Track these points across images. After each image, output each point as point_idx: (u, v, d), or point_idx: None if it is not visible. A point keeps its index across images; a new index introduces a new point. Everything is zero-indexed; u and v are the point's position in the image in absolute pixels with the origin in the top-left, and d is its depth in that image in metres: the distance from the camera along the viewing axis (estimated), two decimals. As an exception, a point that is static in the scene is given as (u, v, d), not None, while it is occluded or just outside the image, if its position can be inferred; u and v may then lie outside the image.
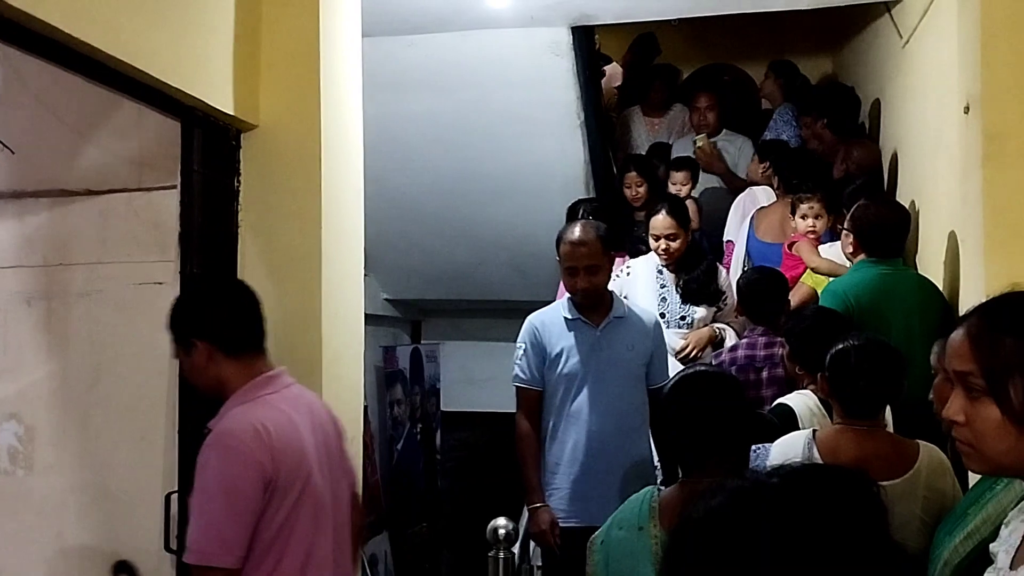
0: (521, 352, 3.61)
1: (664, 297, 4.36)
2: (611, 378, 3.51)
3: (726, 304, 4.31)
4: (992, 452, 1.36)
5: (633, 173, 5.35)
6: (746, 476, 0.97)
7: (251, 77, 2.94)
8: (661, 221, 4.32)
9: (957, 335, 1.42)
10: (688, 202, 5.10)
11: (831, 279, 3.89)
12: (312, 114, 2.97)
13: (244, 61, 2.89)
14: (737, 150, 5.87)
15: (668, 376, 3.39)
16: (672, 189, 5.37)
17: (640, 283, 4.39)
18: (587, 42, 5.22)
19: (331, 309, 3.03)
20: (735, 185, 5.60)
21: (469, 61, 4.98)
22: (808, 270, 4.24)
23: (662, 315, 4.18)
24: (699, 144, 5.58)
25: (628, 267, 4.45)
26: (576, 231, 3.52)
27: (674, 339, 4.19)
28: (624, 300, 3.74)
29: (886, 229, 3.57)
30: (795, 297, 4.09)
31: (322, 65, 3.00)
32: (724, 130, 5.93)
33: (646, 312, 3.76)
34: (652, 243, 4.35)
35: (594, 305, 3.57)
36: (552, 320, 3.61)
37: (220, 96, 2.78)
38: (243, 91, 2.89)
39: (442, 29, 4.73)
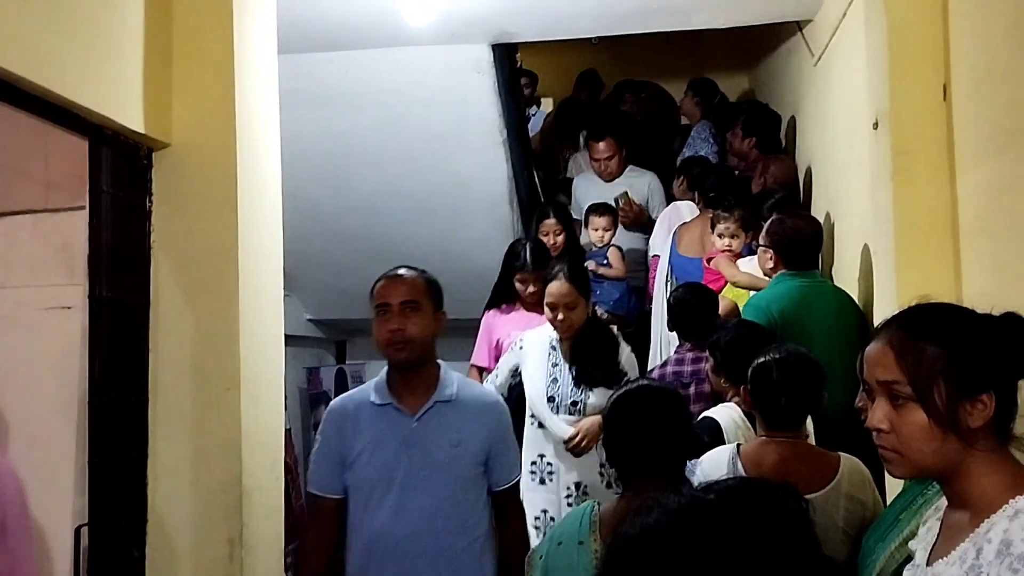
0: (316, 449, 2.88)
1: (555, 378, 3.73)
2: (429, 485, 2.67)
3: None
4: (919, 456, 1.42)
5: (552, 220, 4.96)
6: (682, 492, 0.98)
7: (163, 94, 2.87)
8: (558, 288, 3.71)
9: (877, 346, 1.48)
10: (612, 250, 5.06)
11: (752, 293, 3.96)
12: (227, 131, 2.90)
13: (155, 78, 2.82)
14: (647, 187, 5.67)
15: (518, 474, 2.90)
16: (594, 236, 5.14)
17: (531, 359, 3.80)
18: (508, 59, 5.25)
19: (249, 331, 2.96)
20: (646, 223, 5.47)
21: (389, 78, 4.95)
22: (728, 284, 4.30)
23: (551, 398, 3.68)
24: (620, 203, 5.31)
25: (521, 340, 3.88)
26: (399, 268, 3.00)
27: (562, 427, 3.67)
28: (459, 378, 2.91)
29: (802, 242, 3.65)
30: (721, 311, 4.15)
31: (237, 82, 2.93)
32: (629, 166, 5.70)
33: (485, 393, 2.99)
34: (547, 313, 3.75)
35: (411, 382, 2.78)
36: (358, 406, 2.82)
37: (130, 114, 2.70)
38: (155, 109, 2.81)
39: (362, 46, 4.69)
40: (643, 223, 5.41)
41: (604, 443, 2.26)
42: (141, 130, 2.75)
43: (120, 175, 2.76)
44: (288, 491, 3.31)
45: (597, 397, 3.60)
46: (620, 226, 5.25)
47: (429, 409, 2.75)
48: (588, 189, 5.64)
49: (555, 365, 3.74)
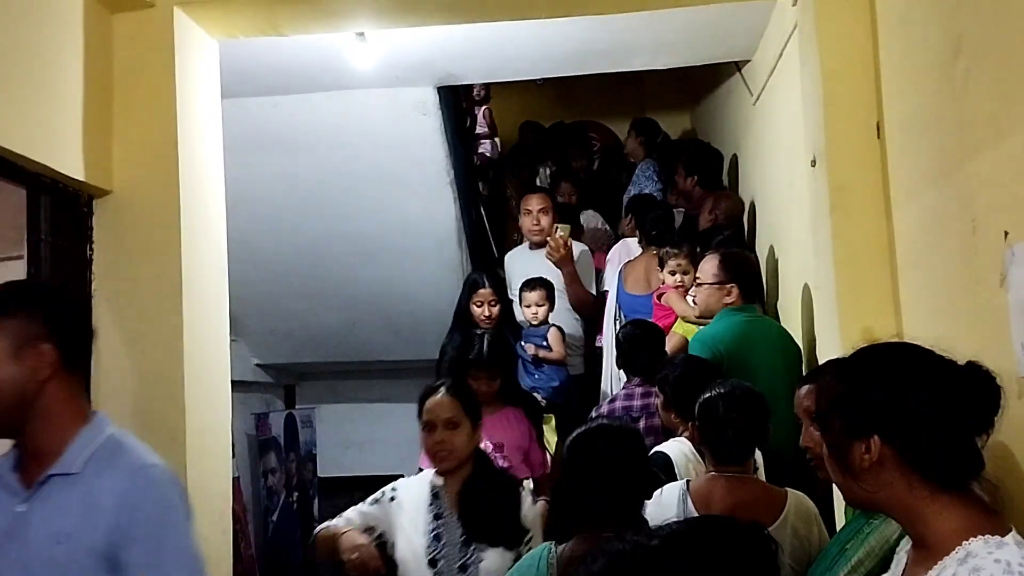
0: None
1: (438, 534, 2.71)
2: None
3: (528, 547, 2.61)
4: (835, 482, 1.51)
5: (487, 289, 4.44)
6: (626, 539, 0.97)
7: (103, 141, 2.84)
8: (438, 403, 2.79)
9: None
10: (552, 331, 4.61)
11: (700, 328, 4.00)
12: (169, 177, 2.88)
13: (95, 125, 2.79)
14: (577, 256, 5.01)
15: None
16: (527, 314, 4.63)
17: (407, 512, 2.76)
18: (454, 100, 5.29)
19: (195, 377, 2.92)
20: (577, 295, 4.88)
21: (335, 121, 4.96)
22: (678, 320, 4.34)
23: (433, 562, 2.66)
24: (559, 233, 4.77)
25: (393, 488, 2.84)
26: None
27: None
28: (111, 439, 1.91)
29: (757, 275, 3.71)
30: (668, 346, 4.18)
31: (179, 127, 2.92)
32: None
33: (133, 460, 1.89)
34: (423, 438, 2.80)
35: (29, 442, 1.88)
36: None
37: (69, 162, 2.67)
38: (94, 156, 2.78)
39: (307, 90, 4.70)
40: (565, 264, 4.78)
41: (557, 485, 2.25)
42: (81, 177, 2.72)
43: (59, 223, 2.73)
44: (236, 541, 3.24)
45: (492, 561, 2.63)
46: (560, 300, 4.77)
47: (44, 486, 1.85)
48: (520, 262, 5.11)
49: (438, 517, 2.73)
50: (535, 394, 4.25)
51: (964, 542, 1.34)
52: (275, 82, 4.55)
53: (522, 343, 4.54)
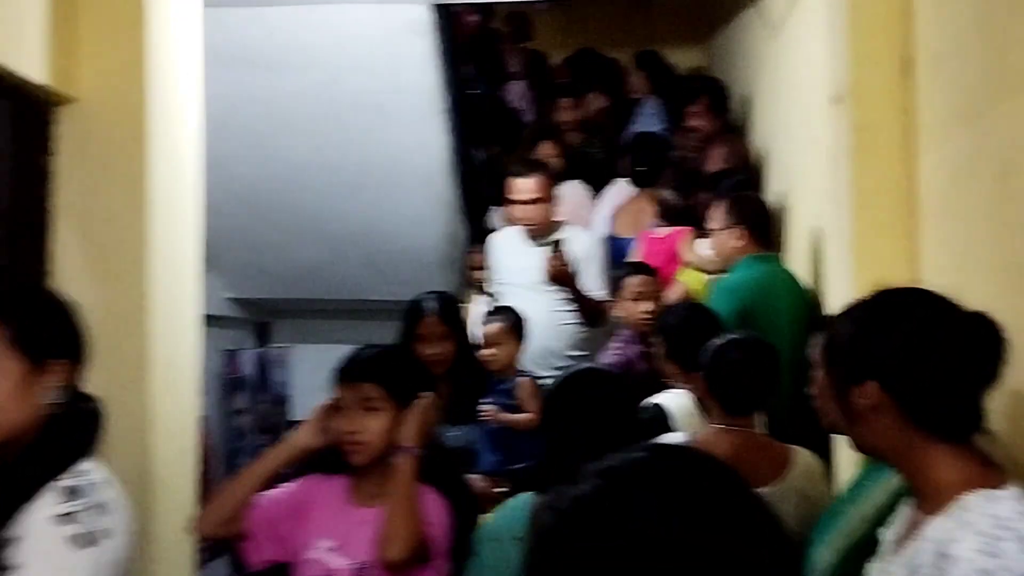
0: None
1: None
2: None
3: None
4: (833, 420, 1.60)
5: (433, 318, 3.45)
6: (611, 457, 0.93)
7: (69, 44, 2.76)
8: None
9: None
10: (522, 383, 3.60)
11: (711, 278, 3.97)
12: (139, 87, 2.81)
13: (60, 25, 2.71)
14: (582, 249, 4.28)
15: None
16: (484, 355, 3.69)
17: None
18: (449, 22, 5.19)
19: (161, 309, 2.88)
20: (589, 310, 4.14)
21: (318, 38, 4.86)
22: (681, 267, 4.33)
23: None
24: (554, 252, 3.98)
25: None
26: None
27: None
28: None
29: (768, 219, 3.69)
30: (671, 296, 4.16)
31: (151, 33, 2.84)
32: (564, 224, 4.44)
33: None
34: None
35: None
36: None
37: (30, 64, 2.60)
38: (60, 60, 2.71)
39: (290, 2, 4.60)
40: (569, 283, 4.05)
41: (543, 429, 2.24)
42: (43, 82, 2.65)
43: (19, 132, 2.67)
44: (203, 484, 3.24)
45: None
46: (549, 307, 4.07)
47: None
48: (509, 253, 4.31)
49: None
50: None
51: (959, 495, 1.37)
52: (255, -9, 4.45)
53: (486, 400, 3.55)
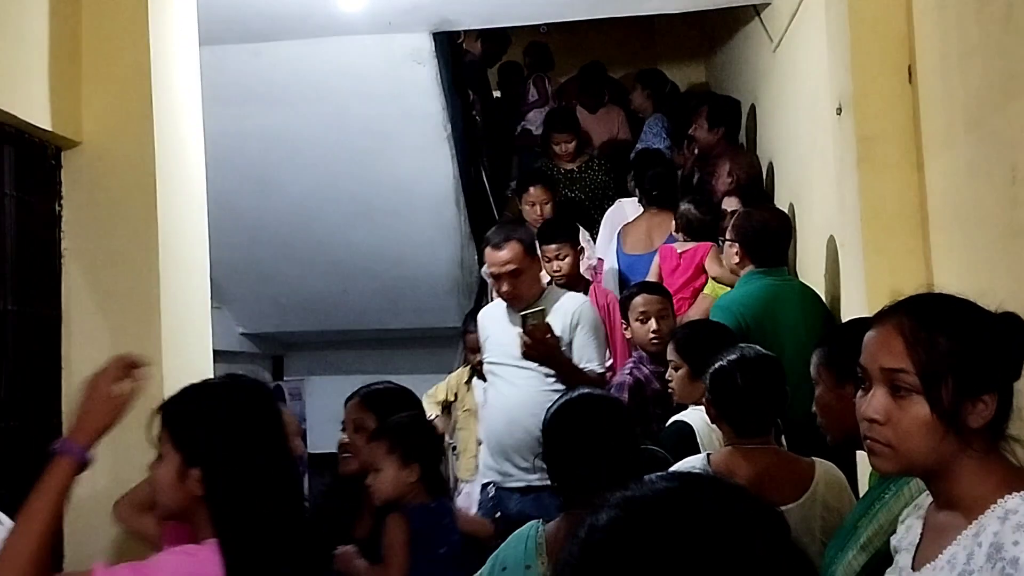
0: None
1: None
2: None
3: None
4: (914, 452, 1.42)
5: (537, 188, 4.92)
6: (633, 485, 0.93)
7: (72, 88, 2.79)
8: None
9: (883, 331, 1.46)
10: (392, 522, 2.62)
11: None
12: (143, 128, 2.84)
13: (63, 70, 2.74)
14: (575, 312, 3.63)
15: None
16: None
17: None
18: (451, 49, 5.22)
19: (174, 347, 2.89)
20: (577, 380, 3.30)
21: (322, 71, 4.90)
22: (708, 282, 4.33)
23: None
24: (531, 322, 3.42)
25: None
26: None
27: None
28: None
29: (770, 236, 3.66)
30: (697, 310, 4.15)
31: (153, 75, 2.87)
32: (560, 291, 4.07)
33: None
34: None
35: None
36: None
37: (34, 109, 2.63)
38: (62, 104, 2.74)
39: (292, 36, 4.64)
40: (549, 357, 3.49)
41: (544, 457, 2.24)
42: (48, 127, 2.68)
43: (25, 177, 2.69)
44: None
45: None
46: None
47: None
48: (497, 325, 3.75)
49: None
50: None
51: (1000, 500, 1.35)
52: (257, 28, 4.49)
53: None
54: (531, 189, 4.95)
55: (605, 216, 5.31)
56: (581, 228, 4.76)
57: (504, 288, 3.58)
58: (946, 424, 1.39)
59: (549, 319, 3.47)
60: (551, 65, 7.14)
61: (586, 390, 2.39)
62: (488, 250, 3.65)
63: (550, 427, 2.22)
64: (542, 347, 3.43)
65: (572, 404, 2.24)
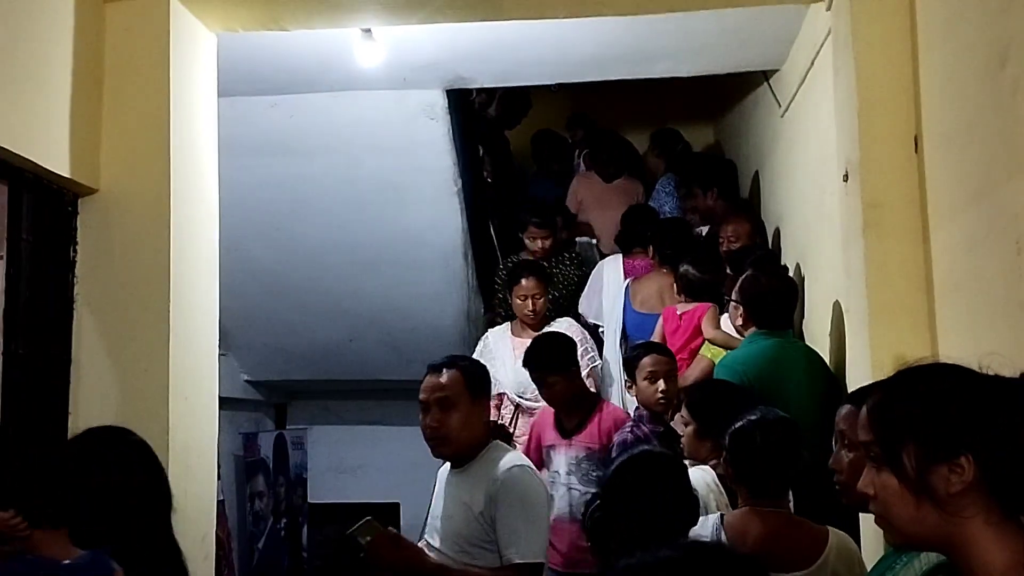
0: None
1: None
2: None
3: None
4: (899, 523, 1.40)
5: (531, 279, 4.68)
6: (643, 555, 0.94)
7: (91, 137, 2.84)
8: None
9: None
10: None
11: (726, 352, 3.98)
12: (160, 178, 2.88)
13: (83, 119, 2.79)
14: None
15: None
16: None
17: None
18: (463, 105, 5.29)
19: (181, 392, 2.90)
20: None
21: (337, 124, 4.96)
22: (706, 343, 4.33)
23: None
24: (364, 539, 2.57)
25: None
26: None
27: None
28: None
29: (774, 299, 3.68)
30: (695, 371, 4.17)
31: (172, 125, 2.92)
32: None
33: None
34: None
35: None
36: None
37: (54, 156, 2.67)
38: (81, 152, 2.78)
39: (308, 89, 4.70)
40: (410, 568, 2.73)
41: (596, 520, 2.28)
42: (66, 174, 2.72)
43: (42, 222, 2.72)
44: (219, 569, 3.22)
45: None
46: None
47: None
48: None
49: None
50: None
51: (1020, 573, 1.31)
52: (275, 80, 4.55)
53: None
54: (523, 281, 4.67)
55: (594, 271, 5.31)
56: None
57: (428, 422, 2.77)
58: (915, 493, 1.37)
59: (469, 477, 2.78)
60: (519, 120, 7.03)
61: (647, 447, 2.45)
62: (427, 376, 2.83)
63: (612, 480, 2.34)
64: (395, 558, 2.61)
65: (635, 461, 2.38)
